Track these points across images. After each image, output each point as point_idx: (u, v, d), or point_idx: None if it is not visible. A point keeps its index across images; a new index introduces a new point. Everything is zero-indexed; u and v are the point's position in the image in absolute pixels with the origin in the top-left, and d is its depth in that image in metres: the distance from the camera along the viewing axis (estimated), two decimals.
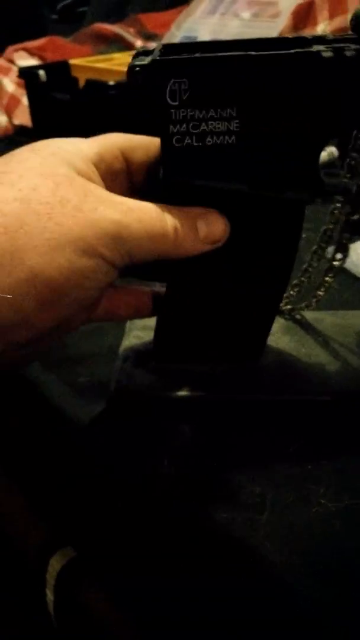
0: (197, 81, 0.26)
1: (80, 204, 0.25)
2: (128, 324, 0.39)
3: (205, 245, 0.29)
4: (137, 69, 0.25)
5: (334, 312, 0.38)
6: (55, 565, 0.30)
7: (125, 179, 0.31)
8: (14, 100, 0.90)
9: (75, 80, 0.68)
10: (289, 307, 0.38)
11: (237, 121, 0.26)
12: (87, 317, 0.31)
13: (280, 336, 0.37)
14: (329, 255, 0.34)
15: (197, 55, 0.26)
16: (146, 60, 0.26)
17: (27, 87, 0.77)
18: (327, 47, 0.25)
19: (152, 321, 0.35)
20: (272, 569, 0.25)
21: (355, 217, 0.31)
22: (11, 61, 1.02)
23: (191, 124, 0.26)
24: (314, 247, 0.35)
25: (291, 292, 0.37)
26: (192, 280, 0.32)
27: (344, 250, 0.33)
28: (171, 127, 0.26)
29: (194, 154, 0.27)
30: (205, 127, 0.26)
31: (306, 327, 0.38)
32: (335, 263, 0.33)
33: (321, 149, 0.27)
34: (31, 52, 1.00)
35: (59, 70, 0.72)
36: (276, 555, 0.25)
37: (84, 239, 0.25)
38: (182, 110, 0.26)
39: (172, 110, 0.26)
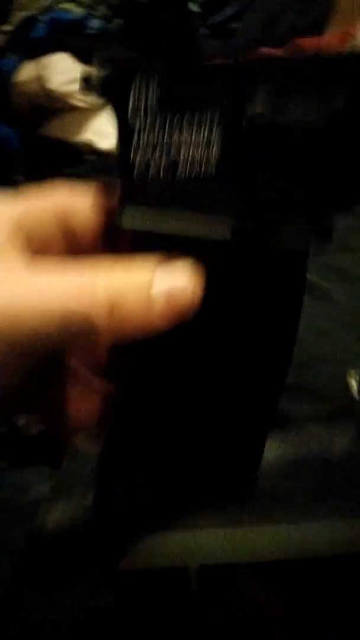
0: (171, 81, 0.19)
1: None
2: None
3: (164, 320, 0.20)
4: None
5: None
6: None
7: (65, 245, 0.24)
8: None
9: None
10: None
11: (217, 147, 0.20)
12: None
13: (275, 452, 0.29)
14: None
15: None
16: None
17: None
18: None
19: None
20: None
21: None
22: None
23: (160, 135, 0.20)
24: None
25: None
26: (147, 382, 0.23)
27: None
28: (135, 137, 0.20)
29: (162, 189, 0.21)
30: (177, 139, 0.20)
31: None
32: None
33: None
34: None
35: None
36: None
37: None
38: (151, 117, 0.20)
39: (136, 116, 0.20)
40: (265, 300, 0.22)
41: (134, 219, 0.21)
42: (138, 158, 0.20)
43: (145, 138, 0.20)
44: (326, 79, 0.18)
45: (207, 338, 0.22)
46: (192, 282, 0.20)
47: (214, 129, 0.20)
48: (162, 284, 0.20)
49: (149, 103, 0.20)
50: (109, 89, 0.20)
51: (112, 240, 0.24)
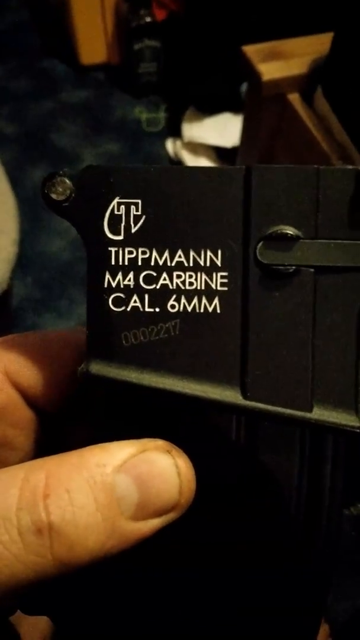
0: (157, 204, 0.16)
1: None
2: None
3: (142, 527, 0.15)
4: (60, 178, 0.16)
5: None
6: None
7: (22, 411, 0.20)
8: None
9: None
10: None
11: (223, 273, 0.16)
12: None
13: None
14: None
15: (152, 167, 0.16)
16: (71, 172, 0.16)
17: None
18: None
19: None
20: None
21: None
22: None
23: (143, 274, 0.17)
24: None
25: None
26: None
27: None
28: (108, 276, 0.17)
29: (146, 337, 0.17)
30: (169, 282, 0.17)
31: None
32: None
33: None
34: None
35: None
36: None
37: None
38: (130, 250, 0.16)
39: (112, 249, 0.16)
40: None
41: (104, 367, 0.17)
42: (116, 280, 0.17)
43: (125, 276, 0.16)
44: None
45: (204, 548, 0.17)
46: (172, 458, 0.15)
47: (215, 274, 0.16)
48: (136, 467, 0.15)
49: (129, 232, 0.16)
50: (75, 211, 0.16)
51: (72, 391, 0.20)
